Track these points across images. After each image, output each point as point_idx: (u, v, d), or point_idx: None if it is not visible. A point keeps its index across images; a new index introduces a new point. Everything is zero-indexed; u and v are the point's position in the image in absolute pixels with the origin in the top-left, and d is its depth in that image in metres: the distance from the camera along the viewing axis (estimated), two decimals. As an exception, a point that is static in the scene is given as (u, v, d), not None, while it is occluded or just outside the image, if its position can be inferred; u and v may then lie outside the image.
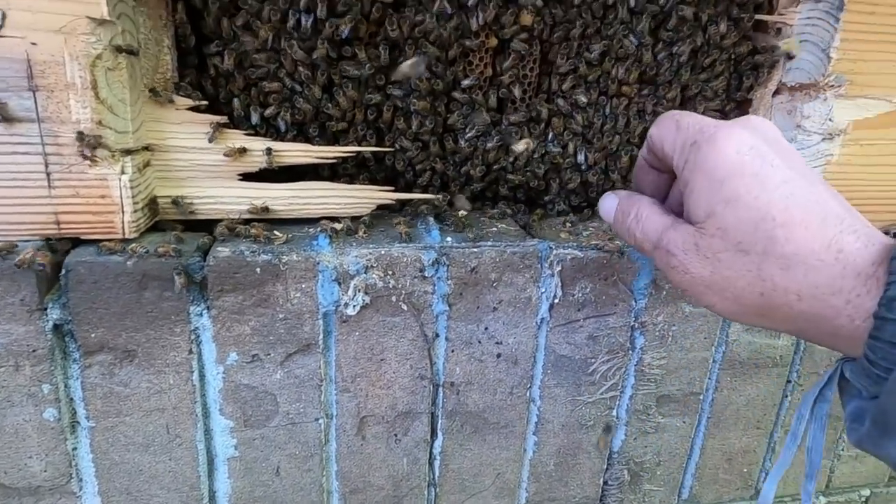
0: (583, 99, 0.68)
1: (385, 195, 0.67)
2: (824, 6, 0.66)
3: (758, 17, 0.69)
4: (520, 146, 0.68)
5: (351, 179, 0.69)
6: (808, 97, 0.70)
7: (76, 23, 0.49)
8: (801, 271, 0.39)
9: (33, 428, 0.57)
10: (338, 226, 0.62)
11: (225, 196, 0.62)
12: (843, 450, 0.85)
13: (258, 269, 0.57)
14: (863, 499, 0.90)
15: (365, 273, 0.59)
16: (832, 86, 0.68)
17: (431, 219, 0.68)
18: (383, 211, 0.69)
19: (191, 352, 0.58)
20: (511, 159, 0.71)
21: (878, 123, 0.71)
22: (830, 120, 0.69)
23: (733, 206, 0.41)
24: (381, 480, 0.68)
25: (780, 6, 0.69)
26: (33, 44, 0.49)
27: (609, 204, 0.53)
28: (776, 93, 0.73)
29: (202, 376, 0.60)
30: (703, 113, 0.72)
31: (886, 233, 0.61)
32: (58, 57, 0.50)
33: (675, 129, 0.46)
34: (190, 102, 0.59)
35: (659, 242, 0.46)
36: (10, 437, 0.57)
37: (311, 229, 0.64)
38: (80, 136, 0.51)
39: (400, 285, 0.60)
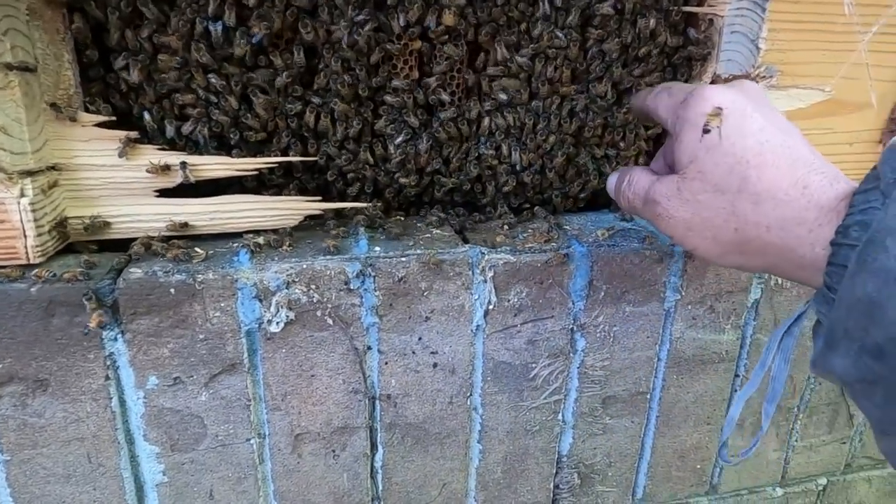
0: (503, 97, 0.66)
1: (312, 206, 0.65)
2: (751, -3, 0.65)
3: (687, 9, 0.68)
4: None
5: (279, 190, 0.67)
6: (741, 89, 0.69)
7: (-45, 41, 0.47)
8: (770, 206, 0.43)
9: (-57, 465, 0.55)
10: (260, 240, 0.60)
11: (141, 214, 0.60)
12: (796, 440, 0.85)
13: (172, 290, 0.55)
14: (820, 487, 0.90)
15: (287, 288, 0.57)
16: (763, 76, 0.67)
17: (362, 229, 0.66)
18: (313, 222, 0.67)
19: (107, 377, 0.56)
20: (443, 163, 0.69)
21: (812, 113, 0.70)
22: (764, 111, 0.68)
23: (713, 152, 0.45)
24: (322, 498, 0.67)
25: (708, -3, 0.68)
26: None
27: (610, 180, 0.59)
28: (712, 83, 0.72)
29: (122, 402, 0.58)
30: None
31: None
32: (-62, 77, 0.47)
33: (667, 95, 0.51)
34: (96, 118, 0.57)
35: (647, 196, 0.51)
36: (-82, 476, 0.54)
37: (234, 244, 0.62)
38: (-30, 159, 0.49)
39: (325, 299, 0.59)
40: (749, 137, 0.44)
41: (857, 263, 0.36)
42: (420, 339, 0.63)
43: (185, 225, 0.61)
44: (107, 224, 0.59)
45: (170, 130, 0.61)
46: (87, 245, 0.59)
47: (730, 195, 0.45)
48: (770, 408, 0.54)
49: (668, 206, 0.49)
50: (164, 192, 0.60)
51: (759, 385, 0.55)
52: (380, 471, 0.68)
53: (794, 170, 0.43)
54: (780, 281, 0.73)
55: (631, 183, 0.54)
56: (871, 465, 0.92)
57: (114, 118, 0.58)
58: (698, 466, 0.81)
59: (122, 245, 0.60)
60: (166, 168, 0.59)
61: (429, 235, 0.66)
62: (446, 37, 0.63)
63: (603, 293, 0.67)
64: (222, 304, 0.56)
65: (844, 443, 0.88)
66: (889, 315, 0.34)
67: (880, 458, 0.91)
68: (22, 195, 0.52)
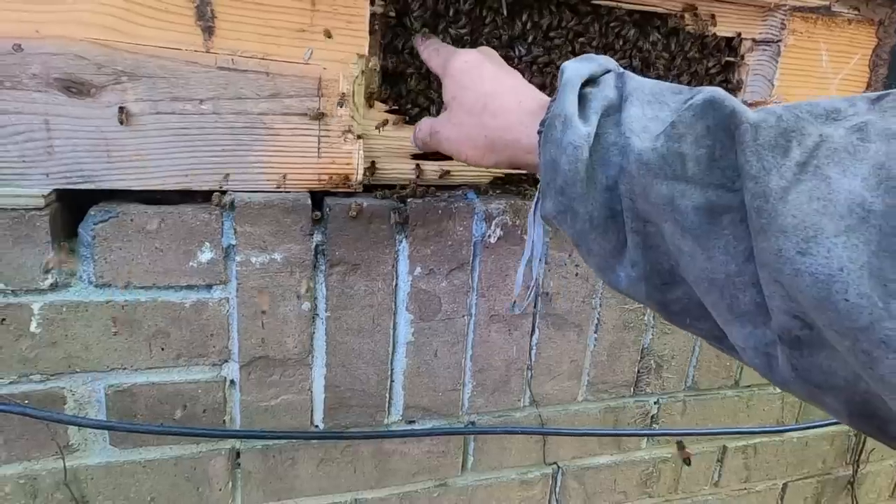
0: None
1: (499, 170, 1.01)
2: (769, 53, 1.06)
3: (727, 59, 1.08)
4: None
5: (472, 161, 1.03)
6: (760, 110, 1.09)
7: (349, 56, 0.82)
8: (503, 117, 0.63)
9: (294, 316, 0.87)
10: (476, 188, 0.96)
11: (402, 168, 0.95)
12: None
13: (440, 211, 0.89)
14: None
15: (502, 215, 0.92)
16: (776, 102, 1.08)
17: (527, 185, 1.03)
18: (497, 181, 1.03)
19: (393, 266, 0.90)
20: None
21: (803, 126, 1.10)
22: (775, 124, 1.09)
23: (465, 91, 0.68)
24: (499, 363, 1.01)
25: (741, 51, 1.08)
26: (324, 69, 0.81)
27: (412, 136, 0.84)
28: (740, 107, 1.12)
29: (397, 284, 0.91)
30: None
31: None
32: (336, 76, 0.82)
33: (436, 54, 0.77)
34: (386, 106, 0.92)
35: (430, 129, 0.74)
36: (279, 322, 0.86)
37: (455, 192, 0.97)
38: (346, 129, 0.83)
39: (520, 223, 0.94)
40: (488, 81, 0.66)
41: (544, 139, 0.52)
42: (570, 255, 0.99)
43: (446, 173, 0.95)
44: (383, 172, 0.93)
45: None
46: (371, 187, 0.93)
47: (478, 116, 0.65)
48: (522, 262, 0.75)
49: (443, 131, 0.71)
50: (415, 156, 0.95)
51: (529, 252, 0.73)
52: (534, 347, 1.02)
53: (515, 94, 0.63)
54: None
55: (420, 128, 0.78)
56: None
57: (396, 107, 0.93)
58: (727, 363, 1.18)
59: (383, 187, 0.94)
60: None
61: (568, 193, 1.02)
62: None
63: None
64: (464, 223, 0.91)
65: (821, 356, 1.27)
66: (562, 167, 0.49)
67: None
68: (359, 148, 0.86)
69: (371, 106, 0.91)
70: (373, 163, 0.91)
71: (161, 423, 0.85)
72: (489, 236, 0.93)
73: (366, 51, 0.82)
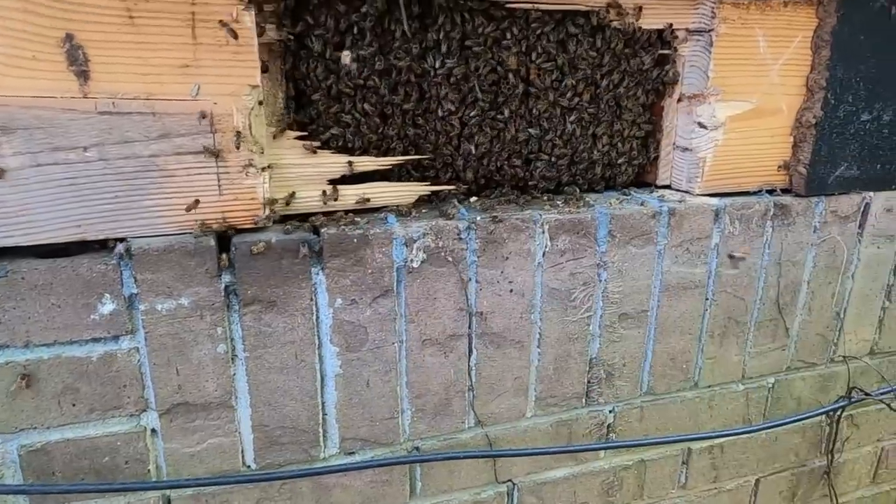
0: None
1: (424, 188, 0.97)
2: (702, 43, 1.00)
3: (661, 52, 1.03)
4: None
5: (399, 178, 0.99)
6: (699, 102, 1.04)
7: (240, 88, 0.78)
8: None
9: (210, 360, 0.84)
10: (397, 210, 0.92)
11: (317, 195, 0.91)
12: (750, 348, 1.19)
13: (355, 240, 0.86)
14: (770, 384, 1.25)
15: (423, 238, 0.89)
16: (713, 94, 1.03)
17: (455, 201, 0.99)
18: (421, 200, 0.99)
19: (311, 299, 0.86)
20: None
21: (744, 117, 1.06)
22: (714, 117, 1.04)
23: None
24: (437, 387, 0.98)
25: (675, 43, 1.03)
26: (215, 103, 0.77)
27: None
28: (679, 100, 1.07)
29: (318, 317, 0.88)
30: (629, 114, 1.06)
31: (769, 190, 0.97)
32: (229, 110, 0.78)
33: None
34: (295, 133, 0.88)
35: None
36: (195, 367, 0.84)
37: (376, 215, 0.93)
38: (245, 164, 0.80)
39: (445, 245, 0.90)
40: None
41: None
42: (502, 272, 0.95)
43: (366, 200, 0.92)
44: (298, 202, 0.90)
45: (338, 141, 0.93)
46: (283, 218, 0.90)
47: None
48: None
49: None
50: (332, 181, 0.92)
51: None
52: (473, 367, 0.99)
53: None
54: (732, 231, 1.08)
55: None
56: (805, 367, 1.27)
57: (305, 133, 0.89)
58: (684, 366, 1.15)
59: (300, 217, 0.91)
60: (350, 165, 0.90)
61: (500, 206, 0.99)
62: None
63: (617, 240, 1.00)
64: (383, 249, 0.87)
65: (784, 350, 1.23)
66: None
67: (811, 362, 1.27)
68: (263, 182, 0.83)
69: (280, 134, 0.87)
70: (293, 193, 0.88)
71: (83, 478, 0.83)
72: (411, 261, 0.89)
73: (258, 81, 0.78)
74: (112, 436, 0.83)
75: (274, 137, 0.86)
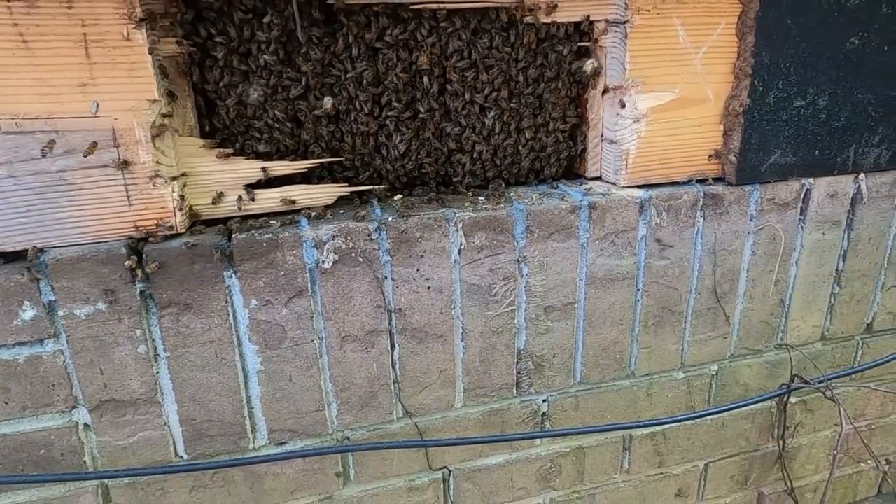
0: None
1: (342, 189, 1.00)
2: (619, 35, 0.99)
3: (581, 44, 1.02)
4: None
5: (318, 180, 1.02)
6: (622, 94, 1.04)
7: (139, 103, 0.81)
8: None
9: (132, 359, 0.89)
10: (312, 212, 0.95)
11: (234, 200, 0.94)
12: (689, 337, 1.19)
13: (265, 244, 0.89)
14: (713, 371, 1.25)
15: (333, 240, 0.92)
16: (632, 86, 1.02)
17: (375, 200, 1.01)
18: (341, 200, 1.01)
19: (227, 301, 0.91)
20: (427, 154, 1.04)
21: (669, 107, 1.04)
22: (636, 108, 1.03)
23: None
24: (361, 381, 1.02)
25: (595, 35, 1.02)
26: (115, 119, 0.81)
27: None
28: (604, 92, 1.06)
29: (235, 317, 0.92)
30: (553, 107, 1.06)
31: (700, 179, 0.96)
32: (130, 125, 0.81)
33: None
34: (207, 142, 0.91)
35: None
36: (118, 366, 0.89)
37: (293, 217, 0.96)
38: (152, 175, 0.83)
39: (356, 246, 0.93)
40: None
41: None
42: (418, 270, 0.98)
43: (291, 202, 0.95)
44: (220, 205, 0.93)
45: (250, 147, 0.96)
46: (197, 222, 0.94)
47: None
48: None
49: None
50: (249, 185, 0.95)
51: None
52: (397, 361, 1.03)
53: None
54: (660, 222, 1.08)
55: None
56: (750, 354, 1.27)
57: (218, 140, 0.92)
58: (618, 356, 1.16)
59: (214, 223, 0.94)
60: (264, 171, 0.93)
61: (421, 204, 1.00)
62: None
63: (536, 235, 1.01)
64: (294, 252, 0.91)
65: (726, 338, 1.23)
66: None
67: (756, 349, 1.26)
68: (172, 191, 0.86)
69: (191, 144, 0.90)
70: (217, 197, 0.92)
71: (22, 469, 0.90)
72: (323, 262, 0.92)
73: (156, 95, 0.81)
74: (46, 431, 0.90)
75: (185, 147, 0.90)
